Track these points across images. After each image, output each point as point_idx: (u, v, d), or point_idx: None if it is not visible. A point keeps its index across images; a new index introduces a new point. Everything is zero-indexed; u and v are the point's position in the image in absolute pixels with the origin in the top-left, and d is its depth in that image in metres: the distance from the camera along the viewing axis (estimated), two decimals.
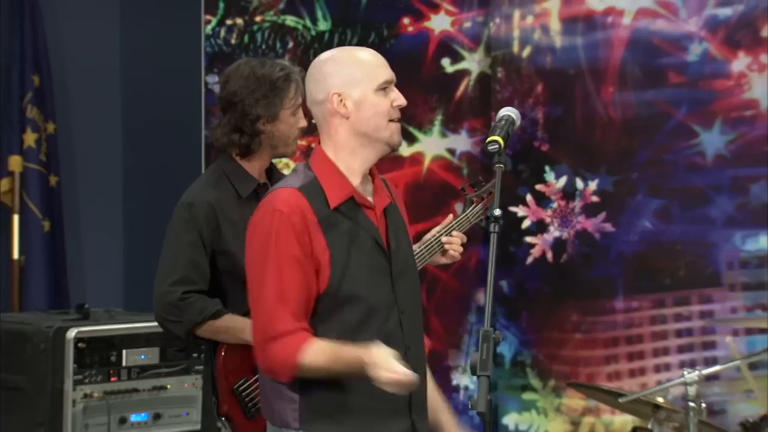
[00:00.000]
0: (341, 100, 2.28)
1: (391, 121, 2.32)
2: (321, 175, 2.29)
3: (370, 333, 2.26)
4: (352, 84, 2.30)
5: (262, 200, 2.36)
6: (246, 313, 2.68)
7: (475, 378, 2.06)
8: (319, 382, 2.29)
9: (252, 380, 2.88)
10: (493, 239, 2.04)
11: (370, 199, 2.33)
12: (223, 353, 2.87)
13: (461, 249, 2.87)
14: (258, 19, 4.35)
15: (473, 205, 3.00)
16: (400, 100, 2.35)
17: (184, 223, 2.90)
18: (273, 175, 3.05)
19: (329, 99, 2.28)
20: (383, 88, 2.32)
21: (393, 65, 3.88)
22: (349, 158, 2.31)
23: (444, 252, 2.88)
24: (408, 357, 2.23)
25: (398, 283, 2.35)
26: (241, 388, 2.88)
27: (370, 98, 2.30)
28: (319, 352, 2.19)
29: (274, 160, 3.16)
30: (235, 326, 2.84)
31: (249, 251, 2.28)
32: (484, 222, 2.72)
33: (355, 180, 2.32)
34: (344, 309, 2.25)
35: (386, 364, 2.14)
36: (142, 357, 3.49)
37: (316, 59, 2.38)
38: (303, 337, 2.21)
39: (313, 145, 2.46)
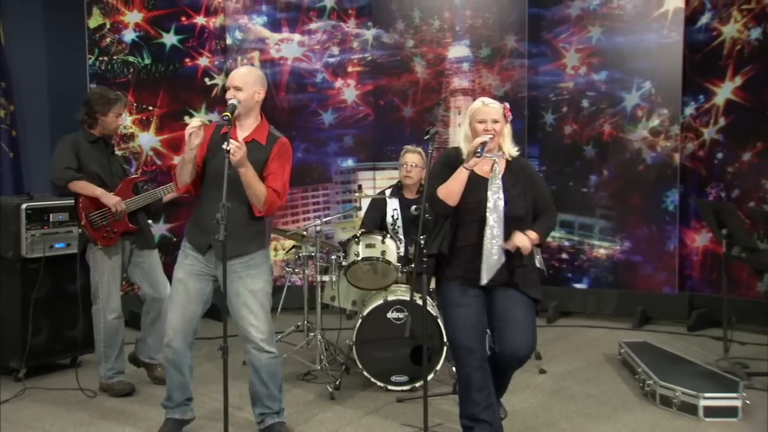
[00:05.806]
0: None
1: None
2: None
3: (210, 184, 3.38)
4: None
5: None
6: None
7: None
8: (197, 202, 3.44)
9: (94, 212, 3.99)
10: (226, 160, 3.12)
11: (241, 136, 3.42)
12: (81, 200, 4.03)
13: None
14: (115, 57, 5.88)
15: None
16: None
17: (65, 144, 4.07)
18: (107, 141, 4.13)
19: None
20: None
21: (181, 83, 5.75)
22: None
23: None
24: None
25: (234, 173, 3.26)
26: (90, 214, 4.05)
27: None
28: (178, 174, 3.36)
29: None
30: (88, 186, 4.00)
31: None
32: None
33: (242, 126, 3.40)
34: (205, 173, 3.41)
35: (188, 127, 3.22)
36: (60, 217, 4.41)
37: (254, 68, 3.52)
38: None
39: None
